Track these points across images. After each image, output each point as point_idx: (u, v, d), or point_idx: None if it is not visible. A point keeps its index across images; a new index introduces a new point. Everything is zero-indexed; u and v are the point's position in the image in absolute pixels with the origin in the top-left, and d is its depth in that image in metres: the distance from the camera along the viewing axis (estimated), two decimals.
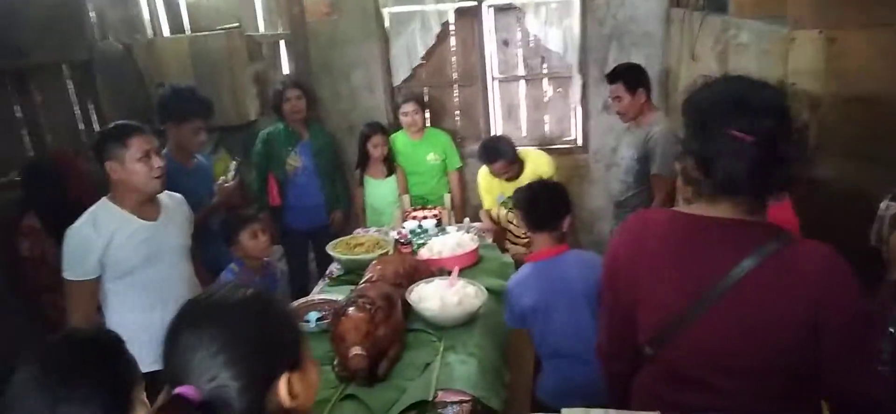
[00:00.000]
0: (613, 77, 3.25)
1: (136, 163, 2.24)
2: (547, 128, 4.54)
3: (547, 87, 4.55)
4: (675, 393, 1.40)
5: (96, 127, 4.06)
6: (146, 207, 2.36)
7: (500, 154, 3.61)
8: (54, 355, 1.11)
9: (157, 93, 4.21)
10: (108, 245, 2.23)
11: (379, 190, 4.09)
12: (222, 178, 4.06)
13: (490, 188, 3.91)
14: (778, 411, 1.21)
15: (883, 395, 1.35)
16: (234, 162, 3.74)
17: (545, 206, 2.42)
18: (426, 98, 4.54)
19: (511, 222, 3.76)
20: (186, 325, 1.00)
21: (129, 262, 2.28)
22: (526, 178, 3.64)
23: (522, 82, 4.55)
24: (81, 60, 3.91)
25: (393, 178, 4.09)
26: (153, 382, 2.31)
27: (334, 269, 3.22)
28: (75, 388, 1.07)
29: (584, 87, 4.32)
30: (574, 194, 4.37)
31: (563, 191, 2.50)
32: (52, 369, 1.07)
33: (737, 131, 1.24)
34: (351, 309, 2.15)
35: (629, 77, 3.21)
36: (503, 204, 3.86)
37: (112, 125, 2.32)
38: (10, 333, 2.89)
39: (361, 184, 4.10)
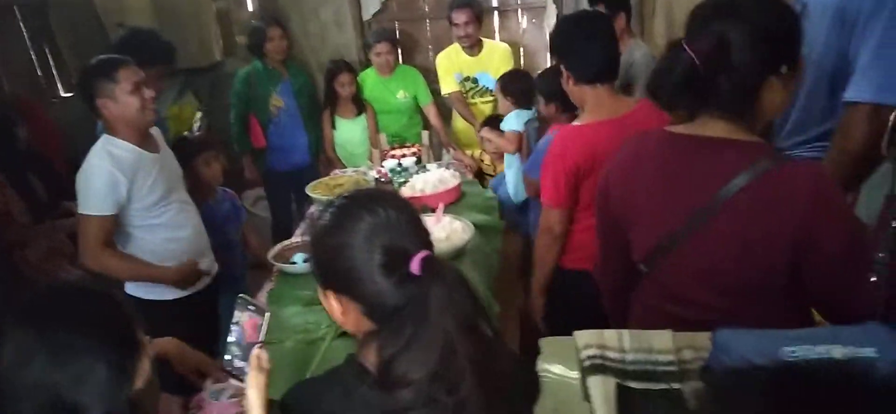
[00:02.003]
0: (594, 1, 3.19)
1: (127, 95, 2.17)
2: (523, 60, 4.47)
3: (521, 19, 4.46)
4: (667, 306, 1.43)
5: (54, 72, 3.89)
6: (147, 140, 2.31)
7: (467, 4, 3.70)
8: (49, 312, 1.03)
9: (116, 35, 4.03)
10: (133, 180, 2.19)
11: (349, 130, 4.01)
12: (186, 130, 3.94)
13: (448, 68, 3.95)
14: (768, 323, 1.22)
15: (875, 305, 1.38)
16: (199, 114, 3.63)
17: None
18: (397, 34, 4.42)
19: (473, 103, 3.94)
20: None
21: (154, 194, 2.27)
22: (484, 58, 3.85)
23: (496, 14, 4.45)
24: (36, 2, 3.71)
25: (363, 116, 4.01)
26: (177, 309, 2.36)
27: (314, 210, 3.16)
28: (81, 341, 1.00)
29: (559, 16, 4.24)
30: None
31: None
32: (51, 327, 1.00)
33: (686, 42, 1.26)
34: None
35: (611, 0, 3.15)
36: (462, 83, 3.92)
37: (96, 60, 2.22)
38: None
39: (332, 125, 4.00)
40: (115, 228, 2.25)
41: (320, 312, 2.19)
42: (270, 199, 4.23)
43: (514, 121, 3.20)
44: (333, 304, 1.04)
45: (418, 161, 3.47)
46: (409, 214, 1.02)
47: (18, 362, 0.99)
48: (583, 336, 1.21)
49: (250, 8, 4.61)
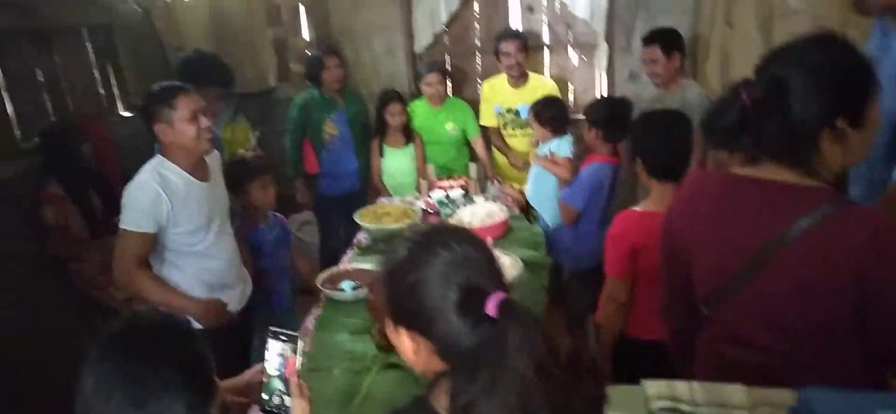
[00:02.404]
0: (650, 39, 3.18)
1: (184, 123, 2.20)
2: (571, 97, 4.45)
3: (572, 55, 4.46)
4: (731, 352, 1.41)
5: (116, 91, 4.02)
6: (198, 167, 2.33)
7: (516, 35, 3.79)
8: (131, 346, 1.04)
9: (177, 57, 4.16)
10: (176, 204, 2.21)
11: (397, 159, 4.03)
12: (241, 149, 4.03)
13: (491, 98, 4.03)
14: (833, 374, 1.19)
15: None
16: (254, 134, 3.70)
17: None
18: (448, 66, 4.46)
19: (512, 135, 3.98)
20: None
21: (194, 222, 2.28)
22: (528, 91, 3.81)
23: (547, 50, 4.46)
24: (101, 23, 3.85)
25: (411, 146, 4.03)
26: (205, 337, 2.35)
27: (362, 238, 3.18)
28: (161, 380, 1.00)
29: (611, 55, 4.23)
30: None
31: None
32: (132, 363, 1.00)
33: (744, 86, 1.29)
34: None
35: (667, 40, 3.14)
36: (501, 115, 3.97)
37: (158, 86, 2.26)
38: (38, 304, 2.89)
39: (381, 153, 4.03)
40: (152, 247, 2.26)
41: (367, 341, 2.20)
42: (320, 224, 4.28)
43: (565, 146, 3.20)
44: (405, 341, 1.03)
45: (465, 193, 3.47)
46: (486, 252, 1.01)
47: (98, 396, 0.99)
48: (652, 386, 1.17)
49: (306, 36, 4.69)
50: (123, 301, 3.29)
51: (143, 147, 3.81)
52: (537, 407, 0.86)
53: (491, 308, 0.91)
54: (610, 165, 2.99)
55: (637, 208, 2.23)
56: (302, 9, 4.66)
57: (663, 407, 1.13)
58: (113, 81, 4.02)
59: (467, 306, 0.94)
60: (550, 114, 3.25)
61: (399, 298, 1.02)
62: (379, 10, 4.41)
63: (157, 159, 2.28)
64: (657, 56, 3.14)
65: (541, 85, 3.95)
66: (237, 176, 2.83)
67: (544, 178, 3.31)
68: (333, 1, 4.45)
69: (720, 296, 1.39)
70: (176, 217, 2.22)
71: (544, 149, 3.31)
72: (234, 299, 2.51)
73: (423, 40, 4.46)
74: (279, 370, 1.37)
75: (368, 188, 4.16)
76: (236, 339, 2.56)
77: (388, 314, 1.07)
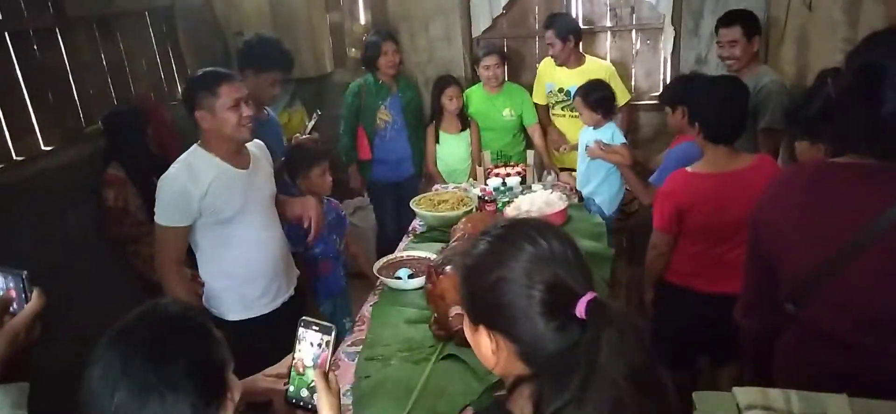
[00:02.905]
0: (731, 19, 3.02)
1: (226, 111, 2.17)
2: (634, 82, 4.30)
3: (635, 39, 4.29)
4: (821, 354, 1.34)
5: (176, 75, 4.06)
6: (237, 155, 2.29)
7: (557, 23, 3.70)
8: (138, 337, 0.99)
9: (236, 42, 4.17)
10: (206, 193, 2.18)
11: (453, 145, 3.96)
12: (297, 134, 4.02)
13: (543, 76, 3.99)
14: None
15: None
16: (316, 114, 3.67)
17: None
18: (506, 50, 4.35)
19: (560, 115, 3.94)
20: None
21: (226, 211, 2.23)
22: (581, 73, 3.65)
23: (609, 33, 4.30)
24: (163, 7, 3.89)
25: (467, 132, 3.95)
26: (241, 331, 2.33)
27: (417, 225, 3.13)
28: (167, 380, 0.95)
29: (677, 39, 4.06)
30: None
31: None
32: (138, 359, 0.96)
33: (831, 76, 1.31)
34: (448, 267, 2.05)
35: (748, 22, 2.98)
36: (550, 95, 3.91)
37: (201, 73, 2.25)
38: (98, 284, 2.94)
39: (436, 139, 3.97)
40: (185, 240, 2.26)
41: (425, 330, 2.14)
42: (376, 211, 4.25)
43: (618, 134, 3.12)
44: (484, 341, 0.96)
45: (523, 181, 3.38)
46: (574, 248, 0.93)
47: (103, 387, 0.95)
48: (745, 394, 1.08)
49: (363, 21, 4.65)
50: None
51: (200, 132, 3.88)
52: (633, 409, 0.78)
53: (580, 310, 0.83)
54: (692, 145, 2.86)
55: (689, 169, 2.36)
56: None
57: None
58: (173, 66, 4.05)
59: (554, 307, 0.87)
60: (596, 96, 3.15)
61: (479, 296, 0.96)
62: None
63: (192, 149, 2.27)
64: (738, 37, 2.98)
65: (596, 67, 3.81)
66: (297, 161, 2.82)
67: (596, 166, 3.21)
68: None
69: (808, 289, 1.32)
70: (207, 206, 2.20)
71: (588, 133, 3.22)
72: (275, 291, 2.44)
73: (481, 24, 4.37)
74: (314, 361, 1.30)
75: (422, 175, 4.11)
76: (282, 328, 2.51)
77: (466, 312, 1.00)
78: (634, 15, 4.24)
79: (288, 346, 2.61)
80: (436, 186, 3.67)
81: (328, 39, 4.61)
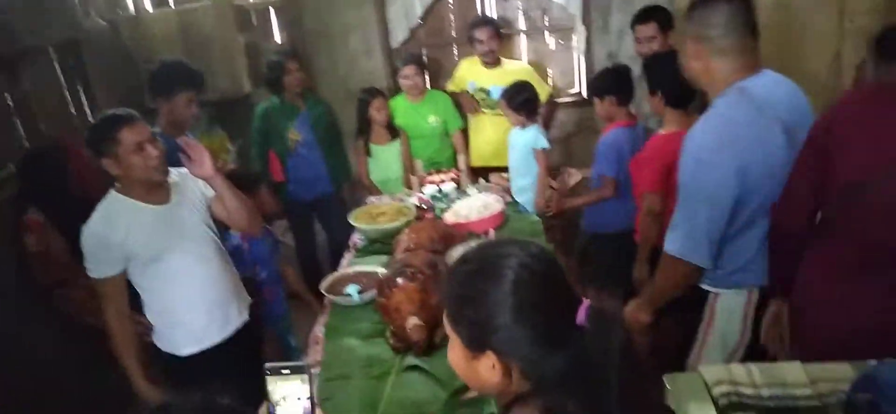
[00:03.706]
0: (646, 16, 3.19)
1: (130, 155, 2.13)
2: (550, 82, 4.45)
3: (549, 40, 4.45)
4: (856, 268, 1.51)
5: (87, 110, 3.89)
6: (155, 191, 2.24)
7: (489, 22, 3.88)
8: None
9: (146, 70, 4.04)
10: (126, 239, 2.15)
11: (384, 156, 3.98)
12: (220, 159, 3.93)
13: (465, 75, 4.09)
14: None
15: None
16: (232, 147, 3.61)
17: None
18: (425, 59, 4.41)
19: (482, 115, 4.05)
20: None
21: (151, 250, 2.19)
22: (501, 74, 3.86)
23: (523, 36, 4.44)
24: (68, 40, 3.72)
25: (397, 142, 3.98)
26: (196, 365, 2.28)
27: (357, 239, 3.13)
28: None
29: (588, 37, 4.24)
30: (579, 148, 4.35)
31: None
32: None
33: None
34: (400, 279, 2.08)
35: (663, 17, 3.16)
36: (475, 93, 4.01)
37: (99, 119, 2.20)
38: (24, 331, 2.78)
39: (367, 152, 3.98)
40: (122, 286, 2.24)
41: (381, 344, 2.17)
42: (295, 231, 4.20)
43: (541, 139, 3.22)
44: (487, 367, 0.98)
45: (458, 186, 3.45)
46: (557, 263, 0.97)
47: None
48: (711, 372, 1.16)
49: (279, 40, 4.60)
50: None
51: None
52: (631, 404, 0.83)
53: (581, 318, 0.88)
54: (629, 128, 3.11)
55: (661, 132, 2.66)
56: (273, 12, 4.57)
57: (724, 392, 1.11)
58: (84, 100, 3.88)
59: (552, 322, 0.91)
60: (522, 98, 3.25)
61: (478, 326, 0.97)
62: (353, 8, 4.35)
63: (108, 195, 2.24)
64: (655, 33, 3.16)
65: (515, 68, 4.00)
66: (242, 188, 2.77)
67: (525, 166, 3.30)
68: (306, 2, 4.37)
69: (857, 195, 1.48)
70: (133, 249, 2.17)
71: (516, 134, 3.32)
72: (224, 318, 2.40)
73: (398, 36, 4.41)
74: (305, 412, 1.22)
75: (342, 189, 4.10)
76: (243, 353, 2.46)
77: (462, 342, 1.01)
78: (546, 16, 4.39)
79: (247, 373, 2.58)
80: (371, 199, 3.68)
81: (244, 59, 4.53)
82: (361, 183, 4.07)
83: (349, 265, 2.84)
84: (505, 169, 3.58)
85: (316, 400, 1.23)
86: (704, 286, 1.96)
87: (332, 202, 4.00)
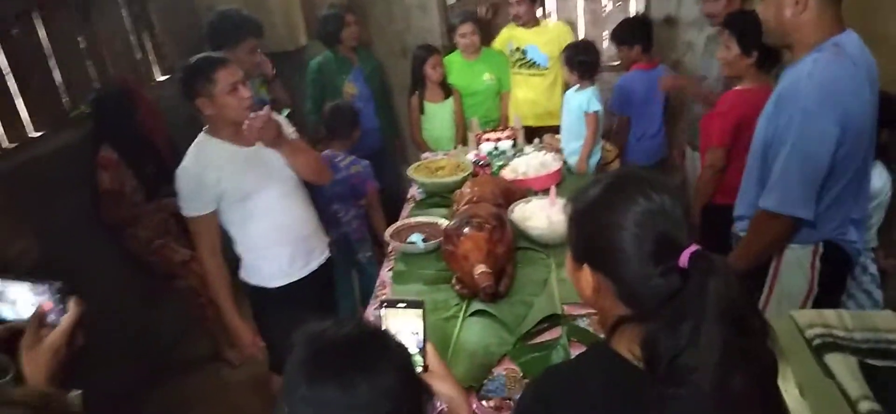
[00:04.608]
0: None
1: (225, 96, 2.20)
2: (606, 44, 4.42)
3: (606, 2, 4.41)
4: None
5: (152, 55, 3.99)
6: (243, 133, 2.31)
7: None
8: (342, 357, 0.99)
9: (207, 18, 4.11)
10: (220, 179, 2.24)
11: (437, 113, 4.02)
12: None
13: (505, 37, 4.09)
14: None
15: None
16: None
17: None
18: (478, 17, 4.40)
19: (518, 73, 4.07)
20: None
21: (242, 190, 2.29)
22: (537, 33, 3.94)
23: None
24: None
25: (450, 100, 4.01)
26: (286, 294, 2.41)
27: (416, 192, 3.20)
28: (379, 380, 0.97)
29: (648, 0, 4.19)
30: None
31: None
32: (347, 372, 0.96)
33: None
34: (467, 229, 2.13)
35: None
36: (512, 53, 4.04)
37: (195, 60, 2.25)
38: (90, 265, 2.91)
39: (421, 110, 4.01)
40: (215, 225, 2.33)
41: (447, 290, 2.23)
42: None
43: (594, 101, 3.21)
44: (586, 278, 1.05)
45: (514, 143, 3.48)
46: (682, 204, 1.00)
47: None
48: (803, 315, 1.20)
49: None
50: (180, 263, 3.34)
51: (181, 111, 3.82)
52: (737, 358, 0.86)
53: (683, 260, 0.91)
54: (645, 71, 3.67)
55: (738, 88, 2.69)
56: None
57: (818, 333, 1.15)
58: (148, 46, 3.98)
59: (661, 256, 0.94)
60: (580, 59, 3.23)
61: (589, 237, 1.04)
62: None
63: (199, 138, 2.32)
64: None
65: (553, 27, 4.05)
66: (348, 120, 3.29)
67: (578, 128, 3.29)
68: None
69: None
70: (227, 188, 2.26)
71: (571, 97, 3.31)
72: (307, 254, 2.52)
73: None
74: (419, 346, 1.26)
75: (394, 145, 4.14)
76: (321, 289, 2.63)
77: (571, 250, 1.08)
78: None
79: (325, 306, 2.70)
80: (425, 154, 3.73)
81: (300, 12, 4.58)
82: (413, 139, 4.11)
83: (409, 216, 2.90)
84: (556, 129, 3.60)
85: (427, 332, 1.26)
86: None
87: (383, 156, 4.06)
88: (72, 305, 1.23)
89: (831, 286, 1.99)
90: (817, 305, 1.83)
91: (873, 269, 2.34)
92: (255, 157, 2.32)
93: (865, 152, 1.87)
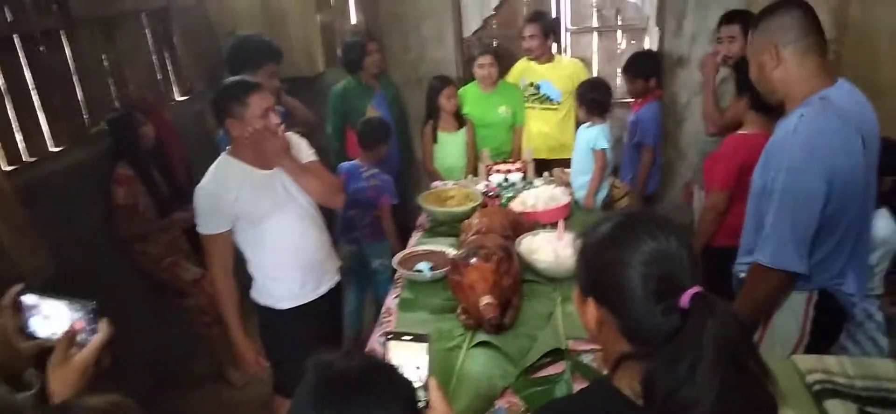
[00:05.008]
0: (731, 18, 3.20)
1: (256, 120, 2.23)
2: (619, 81, 4.47)
3: (621, 40, 4.46)
4: None
5: (172, 76, 4.07)
6: (264, 156, 2.35)
7: (535, 19, 3.93)
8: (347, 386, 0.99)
9: (227, 42, 4.19)
10: (237, 199, 2.27)
11: (450, 143, 4.06)
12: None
13: (518, 72, 4.16)
14: None
15: None
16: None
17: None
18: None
19: (531, 107, 4.12)
20: None
21: (258, 212, 2.32)
22: (551, 68, 4.02)
23: (595, 34, 4.46)
24: (158, 8, 3.90)
25: (463, 131, 4.05)
26: (294, 316, 2.43)
27: (425, 220, 3.22)
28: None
29: (661, 39, 4.23)
30: None
31: None
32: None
33: None
34: (474, 259, 2.15)
35: (747, 20, 3.15)
36: (525, 88, 4.10)
37: (231, 82, 2.30)
38: (104, 279, 2.95)
39: (434, 139, 4.06)
40: (229, 245, 2.36)
41: (452, 319, 2.24)
42: None
43: (602, 139, 3.24)
44: (591, 312, 1.07)
45: (524, 176, 3.50)
46: (687, 246, 1.02)
47: None
48: (804, 361, 1.21)
49: (354, 21, 4.72)
50: (190, 282, 3.37)
51: (197, 132, 3.89)
52: (735, 399, 0.88)
53: (684, 300, 0.94)
54: (659, 102, 3.88)
55: (741, 132, 2.68)
56: None
57: (818, 380, 1.16)
58: (169, 66, 4.06)
59: (663, 295, 0.97)
60: (592, 96, 3.29)
61: (596, 272, 1.06)
62: None
63: (220, 157, 2.36)
64: (737, 35, 3.16)
65: (567, 63, 4.11)
66: (380, 133, 3.43)
67: (588, 162, 3.32)
68: None
69: None
70: (243, 209, 2.29)
71: (582, 133, 3.35)
72: (318, 279, 2.54)
73: (472, 25, 4.48)
74: (422, 380, 1.25)
75: (408, 172, 4.19)
76: (329, 313, 2.65)
77: (578, 283, 1.11)
78: (619, 15, 4.40)
79: (336, 327, 2.72)
80: (435, 183, 3.76)
81: (319, 38, 4.67)
82: (426, 168, 4.15)
83: (418, 244, 2.93)
84: (566, 163, 3.63)
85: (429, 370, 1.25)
86: None
87: (400, 181, 4.10)
88: (102, 326, 1.25)
89: (824, 335, 1.97)
90: (808, 352, 1.83)
91: (879, 316, 2.32)
92: (272, 181, 2.36)
93: (860, 204, 1.85)
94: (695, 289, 0.94)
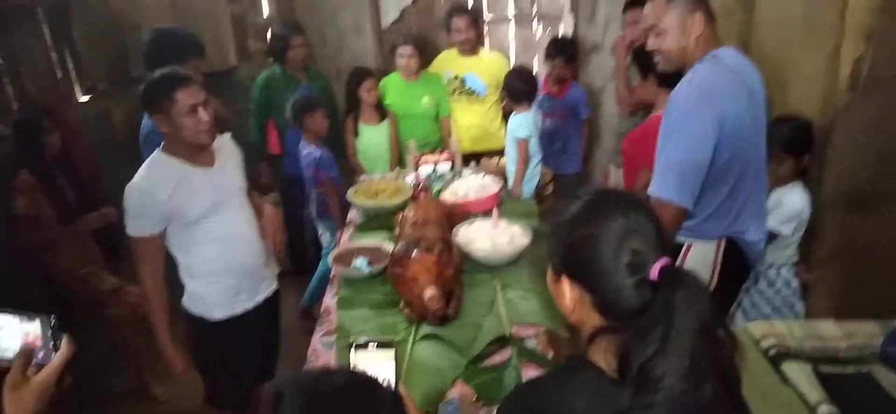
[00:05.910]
0: (636, 1, 3.27)
1: (183, 117, 2.11)
2: (536, 70, 4.54)
3: (537, 28, 4.54)
4: None
5: (73, 74, 3.82)
6: (201, 154, 2.24)
7: (465, 10, 3.95)
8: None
9: (133, 37, 3.97)
10: (170, 199, 2.13)
11: (373, 136, 4.00)
12: None
13: (440, 65, 4.12)
14: None
15: None
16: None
17: None
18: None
19: (456, 102, 4.09)
20: None
21: (194, 212, 2.19)
22: (476, 62, 4.00)
23: (512, 23, 4.52)
24: (57, 2, 3.64)
25: (386, 123, 4.01)
26: (228, 326, 2.32)
27: (355, 216, 3.17)
28: None
29: (575, 26, 4.34)
30: None
31: None
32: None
33: None
34: (415, 251, 2.14)
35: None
36: (450, 82, 4.07)
37: (157, 76, 2.15)
38: (10, 292, 2.75)
39: (355, 132, 4.00)
40: (160, 247, 2.22)
41: (394, 314, 2.22)
42: (285, 205, 4.19)
43: (524, 127, 3.28)
44: (565, 290, 1.09)
45: (453, 166, 3.51)
46: (655, 221, 1.05)
47: None
48: (757, 327, 1.27)
49: (266, 14, 4.57)
50: (109, 292, 3.18)
51: (103, 133, 3.67)
52: (704, 364, 0.91)
53: (653, 273, 0.97)
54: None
55: (659, 112, 2.54)
56: None
57: (773, 344, 1.22)
58: (70, 64, 3.80)
59: (635, 269, 0.99)
60: (520, 85, 3.31)
61: (569, 248, 1.07)
62: None
63: (153, 155, 2.22)
64: (641, 18, 3.25)
65: (490, 58, 4.10)
66: (302, 107, 3.44)
67: (512, 154, 3.38)
68: None
69: None
70: (177, 209, 2.16)
71: (509, 122, 3.39)
72: (255, 287, 2.43)
73: (390, 15, 4.43)
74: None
75: (340, 164, 4.09)
76: (266, 322, 2.55)
77: (551, 262, 1.12)
78: (535, 4, 4.47)
79: (267, 341, 2.61)
80: (362, 177, 3.71)
81: (231, 32, 4.50)
82: (348, 161, 4.08)
83: (351, 240, 2.88)
84: (493, 153, 3.67)
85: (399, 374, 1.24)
86: (679, 238, 2.13)
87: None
88: (64, 345, 1.13)
89: (730, 280, 2.11)
90: (717, 295, 1.94)
91: (795, 283, 2.49)
92: (209, 181, 2.24)
93: (750, 155, 2.02)
94: (663, 261, 0.98)
